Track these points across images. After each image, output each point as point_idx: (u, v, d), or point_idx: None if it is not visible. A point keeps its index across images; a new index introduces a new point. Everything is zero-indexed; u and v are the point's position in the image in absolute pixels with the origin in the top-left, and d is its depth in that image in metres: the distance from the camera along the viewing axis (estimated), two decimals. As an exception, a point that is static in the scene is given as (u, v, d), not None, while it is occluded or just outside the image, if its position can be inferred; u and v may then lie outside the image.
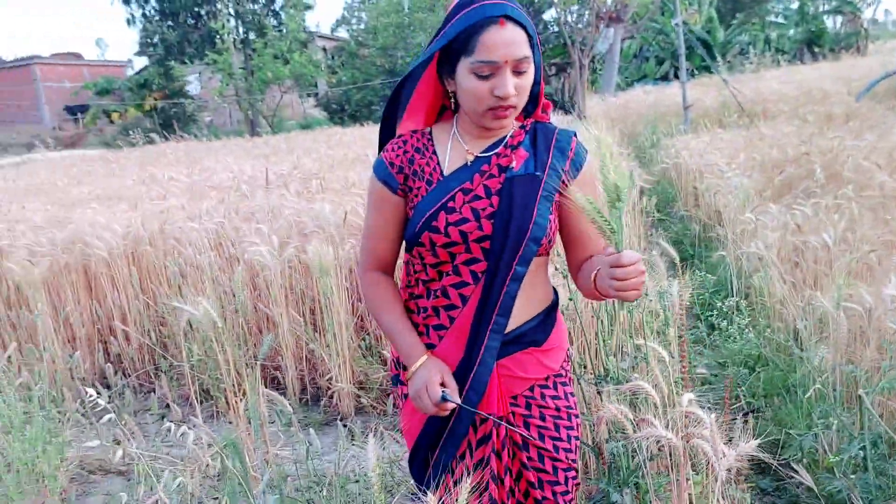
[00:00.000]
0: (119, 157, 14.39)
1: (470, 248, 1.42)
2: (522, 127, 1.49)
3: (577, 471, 1.58)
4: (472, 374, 1.44)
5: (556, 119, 12.33)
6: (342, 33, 33.62)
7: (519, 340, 1.50)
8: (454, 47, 1.37)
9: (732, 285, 3.33)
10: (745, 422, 2.61)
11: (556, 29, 18.38)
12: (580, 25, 17.51)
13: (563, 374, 1.58)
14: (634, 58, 25.90)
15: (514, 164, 1.44)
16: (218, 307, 3.28)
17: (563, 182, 1.43)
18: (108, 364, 3.97)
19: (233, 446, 1.75)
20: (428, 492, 1.15)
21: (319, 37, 33.71)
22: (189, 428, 3.15)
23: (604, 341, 1.69)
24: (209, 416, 3.43)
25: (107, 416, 2.54)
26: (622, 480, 1.67)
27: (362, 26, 29.89)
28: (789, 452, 2.09)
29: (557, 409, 1.54)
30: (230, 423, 3.11)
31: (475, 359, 1.46)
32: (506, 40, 1.32)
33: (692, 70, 17.66)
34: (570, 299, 1.75)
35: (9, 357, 3.38)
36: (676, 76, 20.66)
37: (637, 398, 1.62)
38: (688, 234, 5.13)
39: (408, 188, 1.46)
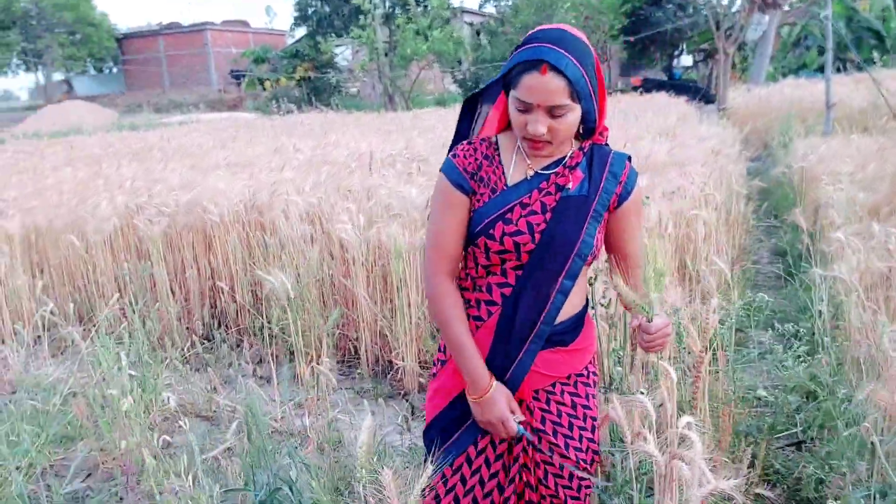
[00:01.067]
0: (263, 124, 15.37)
1: (521, 256, 1.55)
2: (581, 148, 1.59)
3: (589, 473, 1.64)
4: (509, 374, 1.58)
5: (694, 110, 11.77)
6: (490, 9, 33.62)
7: (549, 339, 1.59)
8: (508, 77, 1.51)
9: (817, 307, 3.15)
10: (793, 452, 2.51)
11: (705, 13, 17.47)
12: (732, 10, 16.51)
13: (586, 374, 1.65)
14: (794, 46, 24.07)
15: (570, 184, 1.55)
16: (301, 279, 3.56)
17: (612, 204, 1.57)
18: (213, 319, 4.39)
19: (250, 409, 1.96)
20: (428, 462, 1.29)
21: (466, 12, 33.89)
22: (259, 386, 3.45)
23: (614, 351, 1.72)
24: (292, 378, 3.72)
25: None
26: (617, 489, 1.71)
27: (508, 3, 29.77)
28: (798, 493, 2.01)
29: (573, 407, 1.62)
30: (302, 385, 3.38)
31: (514, 359, 1.58)
32: (542, 87, 1.43)
33: (858, 64, 16.20)
34: (592, 307, 1.78)
35: (130, 303, 3.83)
36: (841, 68, 19.00)
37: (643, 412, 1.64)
38: (797, 245, 4.84)
39: (473, 192, 1.58)
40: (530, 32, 1.51)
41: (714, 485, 1.47)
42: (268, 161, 6.65)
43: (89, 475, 2.97)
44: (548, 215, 1.53)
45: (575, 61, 1.43)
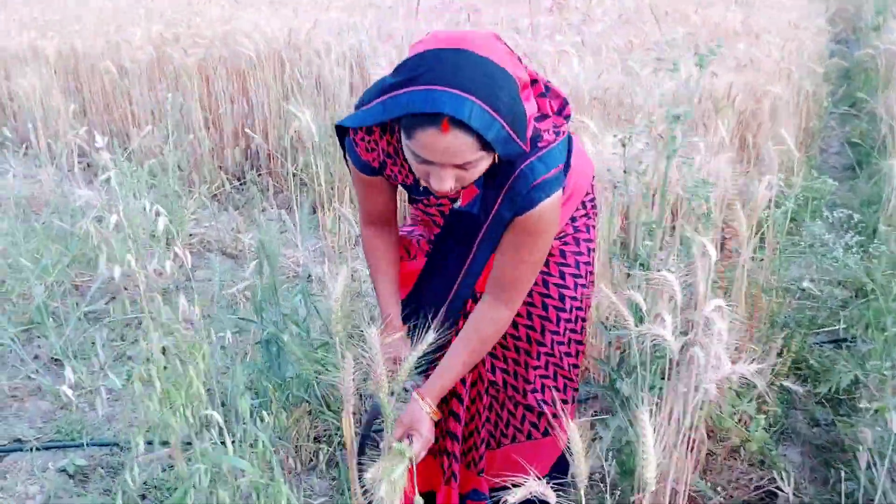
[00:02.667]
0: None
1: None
2: None
3: (581, 325, 1.52)
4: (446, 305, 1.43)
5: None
6: None
7: None
8: (393, 120, 1.22)
9: (886, 197, 2.89)
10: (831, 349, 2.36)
11: None
12: None
13: (582, 207, 1.49)
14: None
15: (459, 199, 1.34)
16: (333, 122, 3.39)
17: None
18: (246, 160, 4.30)
19: (263, 245, 1.87)
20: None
21: None
22: (282, 232, 3.40)
23: (645, 224, 1.55)
24: (315, 227, 3.65)
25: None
26: (627, 369, 1.60)
27: None
28: (824, 387, 1.87)
29: (563, 234, 1.47)
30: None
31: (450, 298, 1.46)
32: (445, 147, 1.11)
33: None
34: (624, 144, 1.57)
35: (166, 135, 3.75)
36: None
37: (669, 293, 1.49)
38: (872, 136, 4.44)
39: (383, 173, 1.40)
40: (413, 52, 1.16)
41: (730, 369, 1.34)
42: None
43: (113, 298, 3.00)
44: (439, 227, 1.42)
45: (482, 104, 1.08)
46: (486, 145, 1.12)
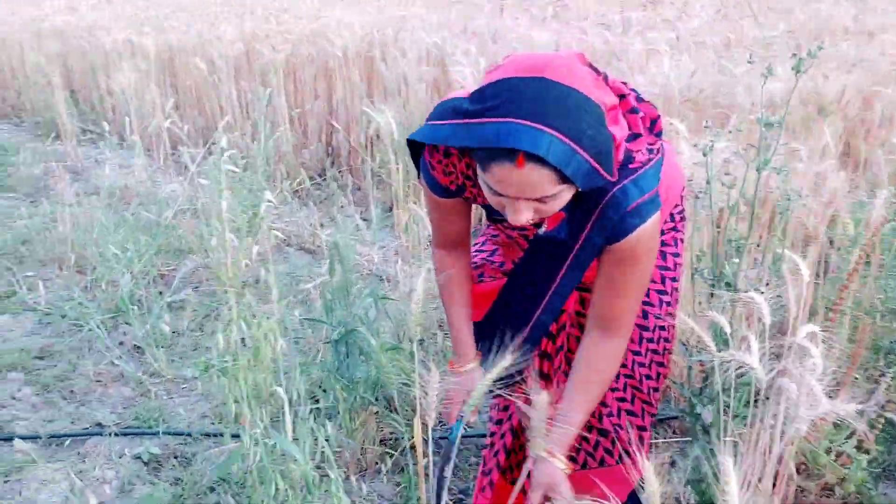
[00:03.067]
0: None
1: None
2: None
3: (664, 345, 1.43)
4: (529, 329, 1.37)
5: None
6: None
7: None
8: (468, 150, 1.19)
9: None
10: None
11: None
12: None
13: (670, 220, 1.40)
14: None
15: (545, 224, 1.25)
16: (411, 120, 3.37)
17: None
18: (327, 157, 4.35)
19: (336, 245, 1.85)
20: None
21: None
22: (358, 230, 3.40)
23: (729, 241, 1.42)
24: (388, 226, 3.64)
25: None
26: (710, 395, 1.49)
27: None
28: None
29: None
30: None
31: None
32: (521, 182, 1.05)
33: None
34: (705, 154, 1.44)
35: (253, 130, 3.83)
36: None
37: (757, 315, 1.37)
38: None
39: (465, 196, 1.33)
40: (491, 79, 1.08)
41: (827, 408, 1.21)
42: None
43: (196, 288, 3.09)
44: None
45: (563, 137, 1.01)
46: (566, 178, 1.05)
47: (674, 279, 1.40)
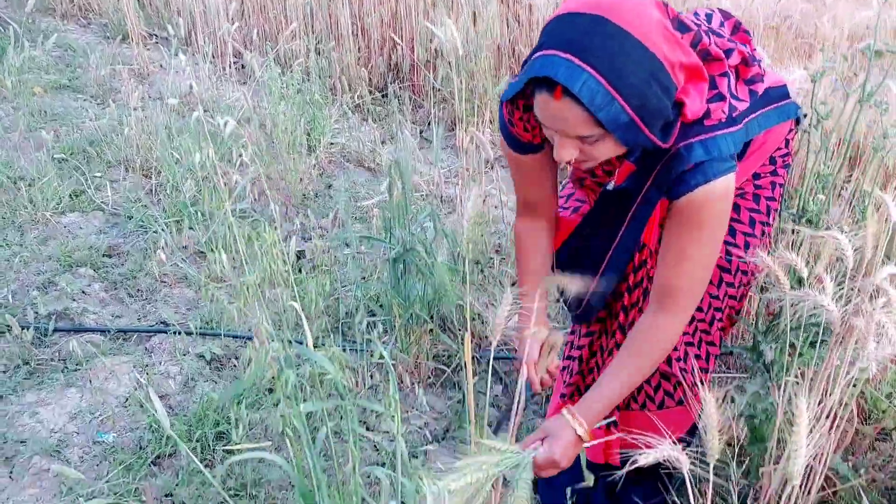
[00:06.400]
0: None
1: None
2: None
3: (742, 291, 1.39)
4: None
5: None
6: None
7: None
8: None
9: None
10: None
11: None
12: None
13: (770, 163, 1.34)
14: None
15: (614, 178, 1.22)
16: (479, 38, 3.27)
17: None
18: (389, 72, 4.27)
19: (397, 163, 1.83)
20: None
21: None
22: (420, 149, 3.36)
23: (819, 175, 1.35)
24: (449, 147, 3.60)
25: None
26: (776, 334, 1.45)
27: None
28: None
29: (742, 191, 1.34)
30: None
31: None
32: (557, 115, 1.05)
33: None
34: (814, 80, 1.35)
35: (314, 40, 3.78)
36: None
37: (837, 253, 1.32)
38: None
39: (542, 148, 1.29)
40: (558, 12, 1.06)
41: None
42: None
43: (256, 199, 3.13)
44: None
45: (601, 79, 0.98)
46: (599, 124, 1.03)
47: (764, 223, 1.34)
